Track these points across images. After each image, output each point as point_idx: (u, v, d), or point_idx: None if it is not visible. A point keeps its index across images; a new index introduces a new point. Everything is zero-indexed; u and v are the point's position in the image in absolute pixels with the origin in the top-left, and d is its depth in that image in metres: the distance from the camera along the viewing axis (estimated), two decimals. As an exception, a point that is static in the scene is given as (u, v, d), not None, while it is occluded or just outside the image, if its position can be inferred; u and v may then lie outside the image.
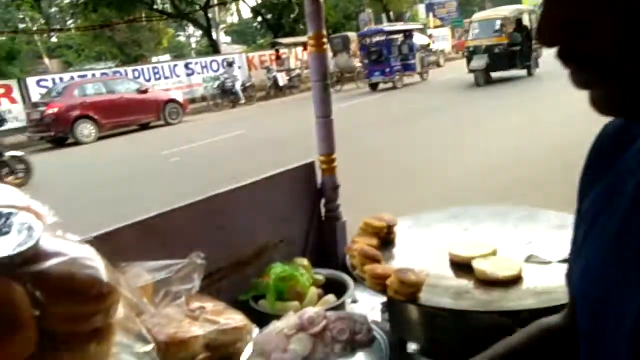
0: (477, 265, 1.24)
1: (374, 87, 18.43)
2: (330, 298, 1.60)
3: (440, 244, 1.43)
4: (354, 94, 17.35)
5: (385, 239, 1.49)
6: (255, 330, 1.36)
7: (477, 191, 5.18)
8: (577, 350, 0.61)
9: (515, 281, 1.17)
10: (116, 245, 1.00)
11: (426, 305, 1.14)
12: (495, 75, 15.00)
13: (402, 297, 1.15)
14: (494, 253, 1.30)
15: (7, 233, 0.80)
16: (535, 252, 1.27)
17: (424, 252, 1.41)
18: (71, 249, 0.81)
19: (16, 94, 15.70)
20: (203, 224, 1.59)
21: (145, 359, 0.92)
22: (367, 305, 1.65)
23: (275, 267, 1.61)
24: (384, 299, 1.66)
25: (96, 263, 0.80)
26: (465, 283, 1.22)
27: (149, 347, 0.89)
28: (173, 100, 16.33)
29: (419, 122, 10.18)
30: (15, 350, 0.70)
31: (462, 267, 1.29)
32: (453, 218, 1.61)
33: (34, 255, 0.76)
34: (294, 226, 1.87)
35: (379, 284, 1.20)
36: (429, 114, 11.06)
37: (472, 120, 9.51)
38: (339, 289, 1.65)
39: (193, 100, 19.43)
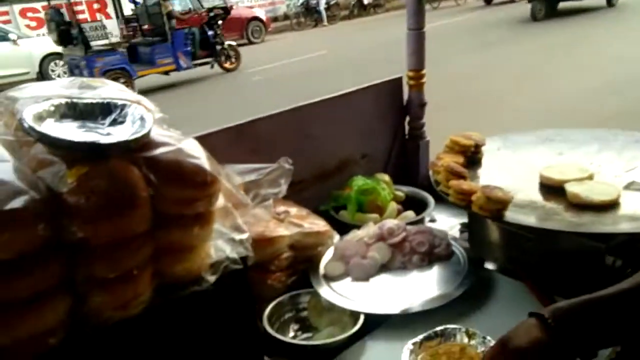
0: (570, 188, 1.18)
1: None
2: (409, 214, 1.62)
3: (530, 166, 1.37)
4: (450, 12, 16.10)
5: (472, 158, 1.46)
6: (336, 237, 1.43)
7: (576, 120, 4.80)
8: None
9: (610, 206, 1.12)
10: (211, 147, 1.05)
11: (511, 223, 1.13)
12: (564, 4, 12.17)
13: (487, 213, 1.14)
14: (590, 177, 1.23)
15: (122, 122, 0.87)
16: (638, 179, 1.19)
17: (511, 173, 1.36)
18: (177, 141, 0.88)
19: (110, 9, 16.34)
20: (290, 134, 1.63)
21: (238, 247, 1.00)
22: (445, 225, 1.65)
23: (357, 179, 1.64)
24: (463, 219, 1.66)
25: (200, 154, 0.87)
26: (554, 205, 1.18)
27: (244, 236, 0.96)
28: (256, 18, 16.19)
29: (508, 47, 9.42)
30: (133, 226, 0.79)
31: (553, 190, 1.25)
32: (547, 141, 1.53)
33: (147, 143, 0.83)
34: (377, 142, 1.87)
35: (464, 200, 1.20)
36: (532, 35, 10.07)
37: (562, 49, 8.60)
38: (418, 206, 1.66)
39: (275, 19, 19.20)
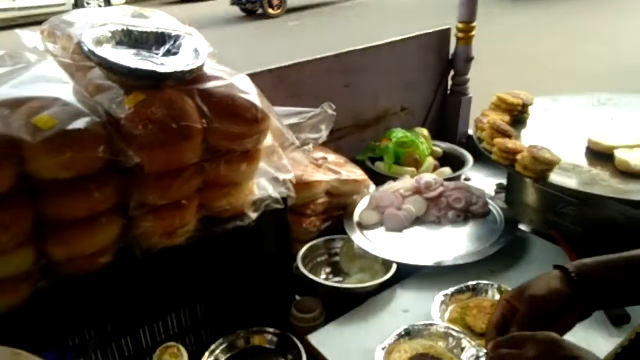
0: (619, 155, 1.15)
1: None
2: (446, 170, 1.60)
3: (578, 129, 1.33)
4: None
5: (518, 117, 1.42)
6: (372, 187, 1.43)
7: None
8: None
9: (662, 176, 1.08)
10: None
11: (555, 185, 1.11)
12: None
13: (531, 174, 1.12)
14: (641, 145, 1.19)
15: (176, 54, 0.87)
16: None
17: (558, 136, 1.33)
18: (230, 75, 0.88)
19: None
20: (330, 81, 1.61)
21: (280, 188, 1.02)
22: (480, 185, 1.63)
23: (396, 131, 1.62)
24: (499, 180, 1.64)
25: (252, 90, 0.86)
26: (601, 172, 1.15)
27: (289, 176, 0.97)
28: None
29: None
30: (186, 156, 0.80)
31: (600, 155, 1.21)
32: (598, 104, 1.47)
33: (200, 75, 0.84)
34: (418, 95, 1.83)
35: (507, 159, 1.18)
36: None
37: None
38: (455, 163, 1.65)
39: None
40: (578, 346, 0.60)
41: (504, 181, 1.53)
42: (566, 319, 0.70)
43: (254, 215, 0.96)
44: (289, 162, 1.35)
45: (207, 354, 0.97)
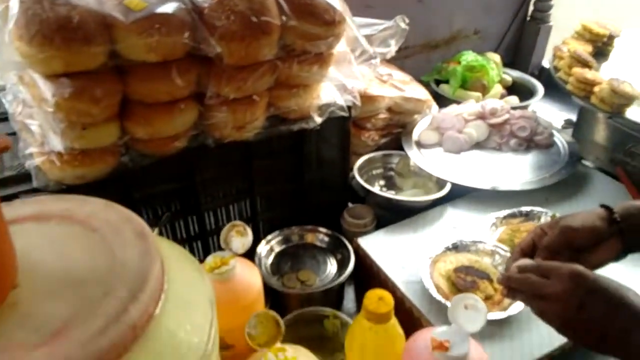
0: None
1: None
2: (513, 99, 1.56)
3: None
4: None
5: (601, 49, 1.34)
6: (435, 107, 1.42)
7: None
8: None
9: None
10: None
11: (631, 121, 1.07)
12: None
13: (607, 107, 1.08)
14: None
15: (259, -54, 0.86)
16: None
17: (641, 72, 1.25)
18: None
19: None
20: (405, -5, 1.55)
21: (346, 96, 1.03)
22: (547, 118, 1.58)
23: (467, 54, 1.57)
24: (567, 116, 1.58)
25: (330, -10, 0.86)
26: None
27: (358, 84, 0.98)
28: None
29: None
30: (262, 51, 0.82)
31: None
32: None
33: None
34: (494, 18, 1.74)
35: (584, 90, 1.13)
36: None
37: None
38: (524, 93, 1.59)
39: None
40: (605, 277, 0.58)
41: (573, 117, 1.47)
42: (597, 255, 0.70)
43: (318, 120, 0.99)
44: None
45: (263, 241, 1.06)
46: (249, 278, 0.74)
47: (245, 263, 0.76)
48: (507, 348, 0.79)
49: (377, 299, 0.66)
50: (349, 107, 1.04)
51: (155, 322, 0.42)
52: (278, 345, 0.61)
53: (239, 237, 0.75)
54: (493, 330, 0.81)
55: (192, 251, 1.04)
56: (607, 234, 0.69)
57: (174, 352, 0.42)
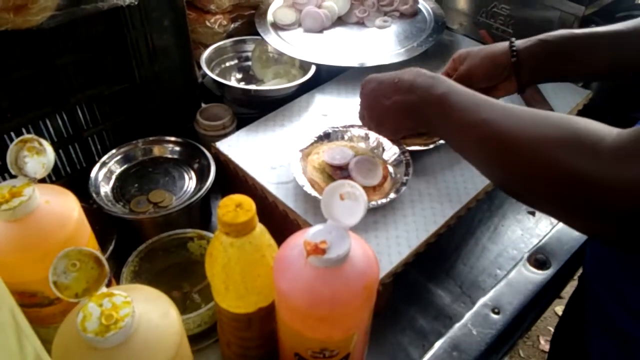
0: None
1: None
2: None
3: None
4: None
5: None
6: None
7: None
8: None
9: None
10: None
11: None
12: None
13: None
14: None
15: None
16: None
17: None
18: None
19: None
20: None
21: None
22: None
23: None
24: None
25: None
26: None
27: None
28: None
29: None
30: None
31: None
32: None
33: None
34: None
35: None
36: None
37: None
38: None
39: None
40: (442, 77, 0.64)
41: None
42: (498, 91, 0.77)
43: (134, -5, 0.75)
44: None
45: (97, 164, 0.84)
46: (60, 208, 0.54)
47: (52, 189, 0.56)
48: (393, 236, 0.70)
49: (234, 206, 0.51)
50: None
51: None
52: (104, 290, 0.44)
53: (34, 156, 0.54)
54: (377, 220, 0.72)
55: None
56: (507, 69, 0.73)
57: None
